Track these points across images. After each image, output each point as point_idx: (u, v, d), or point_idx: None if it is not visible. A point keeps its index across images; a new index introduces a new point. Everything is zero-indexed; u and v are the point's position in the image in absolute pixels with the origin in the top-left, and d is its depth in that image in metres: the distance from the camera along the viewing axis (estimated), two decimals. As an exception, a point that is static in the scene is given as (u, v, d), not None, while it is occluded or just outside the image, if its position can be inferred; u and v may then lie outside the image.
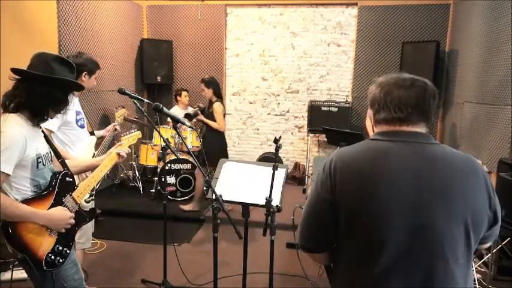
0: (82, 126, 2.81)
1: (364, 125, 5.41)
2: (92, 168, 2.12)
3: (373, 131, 1.34)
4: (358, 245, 1.19)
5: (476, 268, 3.31)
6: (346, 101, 6.06)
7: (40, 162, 1.78)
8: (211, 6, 6.37)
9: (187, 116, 4.37)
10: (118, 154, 2.19)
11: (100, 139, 3.12)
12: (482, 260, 3.46)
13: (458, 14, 5.47)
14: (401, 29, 5.90)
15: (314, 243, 1.30)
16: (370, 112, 1.33)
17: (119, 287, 3.24)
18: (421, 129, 1.25)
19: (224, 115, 4.68)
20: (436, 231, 1.14)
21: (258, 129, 6.68)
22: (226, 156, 4.39)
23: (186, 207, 4.78)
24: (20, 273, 3.21)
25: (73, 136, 2.71)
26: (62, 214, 1.81)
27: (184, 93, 5.73)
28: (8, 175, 1.65)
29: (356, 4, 6.05)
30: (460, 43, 5.33)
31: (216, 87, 4.66)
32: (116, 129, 3.15)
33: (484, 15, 4.56)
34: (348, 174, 1.19)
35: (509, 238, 3.04)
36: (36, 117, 1.76)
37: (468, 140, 4.87)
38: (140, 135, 2.67)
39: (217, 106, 4.57)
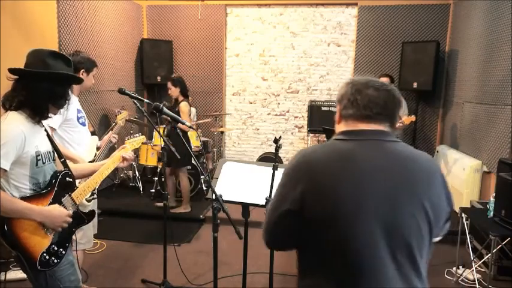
0: (83, 124, 2.80)
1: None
2: (93, 173, 2.10)
3: (336, 128, 1.36)
4: (328, 247, 1.18)
5: (476, 268, 3.31)
6: (346, 101, 6.06)
7: (39, 160, 1.77)
8: (211, 6, 6.37)
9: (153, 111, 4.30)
10: (123, 158, 2.19)
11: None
12: (482, 260, 3.46)
13: (458, 14, 5.48)
14: (401, 29, 5.91)
15: (276, 242, 1.32)
16: (337, 108, 1.35)
17: (118, 287, 3.24)
18: (384, 128, 1.28)
19: (190, 115, 4.68)
20: (406, 229, 1.16)
21: (258, 129, 6.69)
22: (190, 156, 4.33)
23: (177, 210, 4.77)
24: (20, 273, 3.22)
25: (74, 134, 2.70)
26: (59, 211, 1.79)
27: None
28: (5, 171, 1.65)
29: (356, 4, 6.05)
30: (460, 43, 5.33)
31: (183, 86, 4.66)
32: (111, 141, 3.11)
33: (484, 15, 4.57)
34: (319, 177, 1.19)
35: (509, 238, 3.03)
36: (38, 114, 1.76)
37: (468, 140, 4.87)
38: (144, 140, 2.65)
39: (183, 105, 4.57)
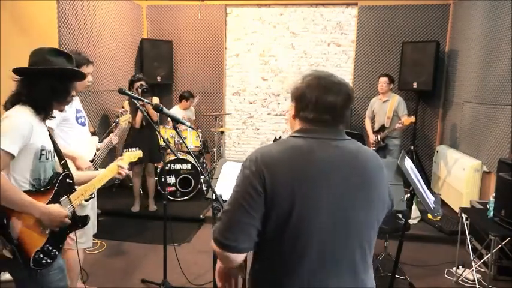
0: (83, 124, 2.79)
1: (364, 125, 5.41)
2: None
3: (292, 125, 1.37)
4: (285, 244, 1.21)
5: (476, 268, 3.31)
6: (346, 101, 6.05)
7: (43, 154, 1.78)
8: (211, 6, 6.37)
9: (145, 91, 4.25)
10: (119, 167, 2.20)
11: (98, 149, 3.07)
12: (482, 260, 3.46)
13: (458, 14, 5.48)
14: (401, 29, 5.91)
15: (236, 242, 1.23)
16: (292, 105, 1.36)
17: (118, 287, 3.24)
18: (338, 128, 1.32)
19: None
20: (358, 221, 1.24)
21: (258, 129, 6.69)
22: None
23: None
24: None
25: (72, 133, 2.68)
26: (58, 211, 1.78)
27: (191, 99, 5.71)
28: (13, 156, 1.65)
29: (356, 4, 6.05)
30: (460, 43, 5.33)
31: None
32: (111, 143, 3.09)
33: (484, 15, 4.57)
34: (276, 172, 1.21)
35: (509, 238, 3.04)
36: (41, 111, 1.78)
37: (468, 140, 4.87)
38: (141, 155, 2.59)
39: (155, 99, 4.55)
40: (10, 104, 1.76)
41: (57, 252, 1.83)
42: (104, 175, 2.13)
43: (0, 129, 1.63)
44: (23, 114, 1.72)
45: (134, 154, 2.50)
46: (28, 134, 1.69)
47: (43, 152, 1.78)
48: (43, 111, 1.78)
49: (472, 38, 4.91)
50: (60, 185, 1.84)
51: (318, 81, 1.30)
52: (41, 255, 1.75)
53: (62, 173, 1.87)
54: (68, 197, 1.90)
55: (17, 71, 1.76)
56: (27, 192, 1.72)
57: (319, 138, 1.27)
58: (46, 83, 1.76)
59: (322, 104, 1.28)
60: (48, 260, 1.79)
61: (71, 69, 1.84)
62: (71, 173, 1.94)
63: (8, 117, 1.68)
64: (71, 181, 1.93)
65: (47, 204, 1.78)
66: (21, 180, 1.73)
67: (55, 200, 1.82)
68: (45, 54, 1.78)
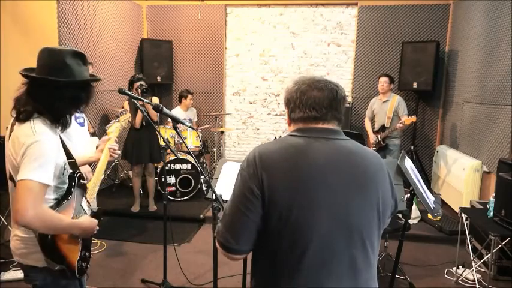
0: (81, 124, 2.79)
1: (364, 125, 5.41)
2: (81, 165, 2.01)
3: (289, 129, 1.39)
4: (284, 243, 1.21)
5: (476, 268, 3.31)
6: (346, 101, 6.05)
7: (65, 169, 1.69)
8: (211, 6, 6.37)
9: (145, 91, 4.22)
10: (110, 149, 2.10)
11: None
12: (482, 260, 3.46)
13: (458, 14, 5.48)
14: (401, 29, 5.91)
15: (238, 245, 1.27)
16: (286, 112, 1.39)
17: (118, 287, 3.24)
18: (334, 126, 1.33)
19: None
20: (359, 221, 1.23)
21: (258, 129, 6.69)
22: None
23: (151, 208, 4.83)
24: (20, 273, 3.22)
25: (70, 132, 2.67)
26: (91, 222, 1.75)
27: (190, 96, 5.72)
28: (49, 186, 1.54)
29: (356, 4, 6.05)
30: (460, 43, 5.33)
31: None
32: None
33: (484, 15, 4.57)
34: (274, 171, 1.22)
35: (509, 238, 3.04)
36: (60, 121, 1.65)
37: (468, 140, 4.88)
38: (120, 126, 2.46)
39: (155, 99, 4.51)
40: (27, 115, 1.55)
41: (89, 255, 1.82)
42: (102, 164, 2.06)
43: (31, 157, 1.48)
44: (49, 135, 1.56)
45: (115, 126, 2.37)
46: (56, 157, 1.58)
47: (65, 167, 1.68)
48: (62, 122, 1.65)
49: (472, 38, 4.91)
50: (78, 189, 1.76)
51: (302, 80, 1.34)
52: (81, 262, 1.74)
53: (76, 175, 1.76)
54: (85, 198, 1.84)
55: (37, 78, 1.56)
56: (57, 209, 1.63)
57: (316, 137, 1.27)
58: (71, 93, 1.60)
59: (307, 100, 1.30)
60: (87, 265, 1.79)
61: (95, 79, 1.72)
62: (81, 172, 1.84)
63: (37, 143, 1.50)
64: (84, 181, 1.85)
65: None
66: (47, 200, 1.61)
67: (78, 206, 1.75)
68: (64, 59, 1.57)
